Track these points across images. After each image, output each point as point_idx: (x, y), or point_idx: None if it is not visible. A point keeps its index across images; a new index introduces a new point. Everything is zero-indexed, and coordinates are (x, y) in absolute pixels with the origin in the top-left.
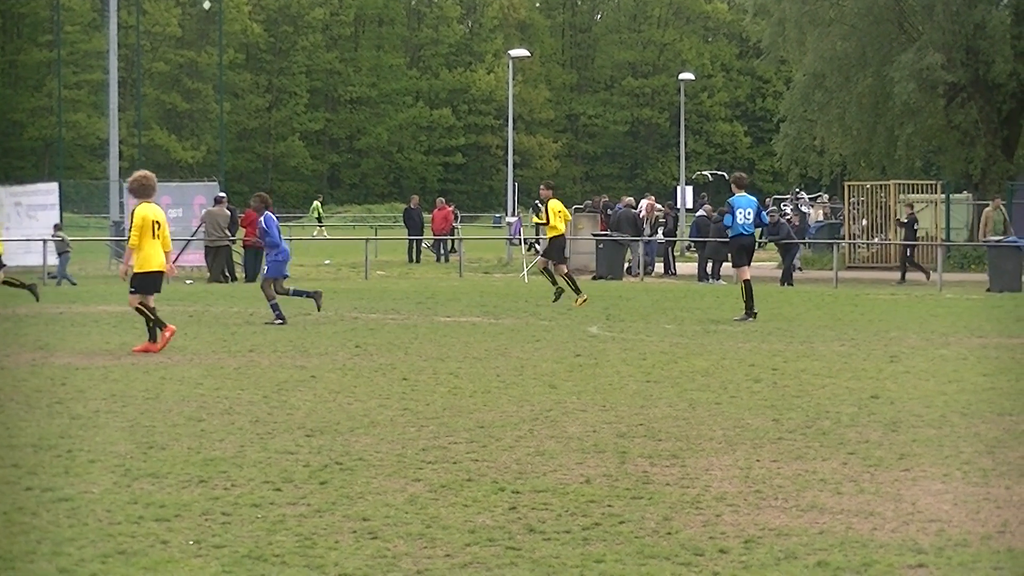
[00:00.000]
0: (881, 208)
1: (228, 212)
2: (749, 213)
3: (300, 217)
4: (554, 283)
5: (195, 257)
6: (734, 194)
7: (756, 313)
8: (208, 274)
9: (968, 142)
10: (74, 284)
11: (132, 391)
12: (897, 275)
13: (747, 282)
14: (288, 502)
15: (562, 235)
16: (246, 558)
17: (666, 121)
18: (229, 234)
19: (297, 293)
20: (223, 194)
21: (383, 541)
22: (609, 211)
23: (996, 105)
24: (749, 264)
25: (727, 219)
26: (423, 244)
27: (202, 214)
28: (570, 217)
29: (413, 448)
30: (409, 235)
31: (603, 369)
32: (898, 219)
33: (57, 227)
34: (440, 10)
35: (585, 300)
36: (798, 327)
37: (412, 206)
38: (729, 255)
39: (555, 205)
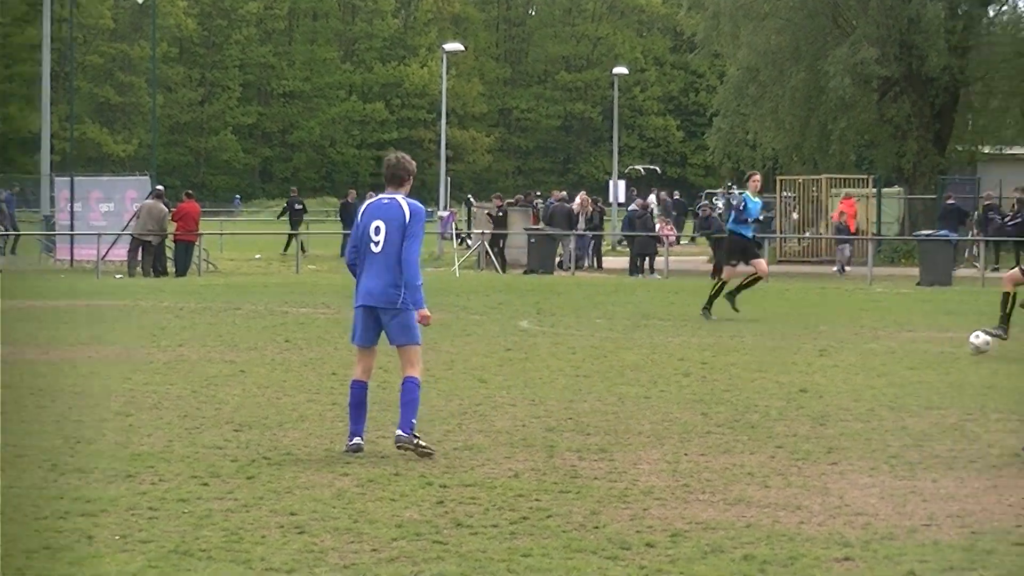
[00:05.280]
0: (813, 202)
1: (164, 207)
2: None
3: (232, 211)
4: None
5: (124, 251)
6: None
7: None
8: (135, 268)
9: (900, 136)
10: None
11: (60, 386)
12: (828, 268)
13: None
14: (215, 497)
15: None
16: (172, 553)
17: (599, 115)
18: (163, 228)
19: None
20: (161, 187)
21: (310, 536)
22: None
23: (929, 99)
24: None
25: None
26: None
27: (138, 207)
28: None
29: (341, 443)
30: (344, 229)
31: (533, 363)
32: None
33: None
34: (374, 4)
35: None
36: (728, 321)
37: (349, 200)
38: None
39: None
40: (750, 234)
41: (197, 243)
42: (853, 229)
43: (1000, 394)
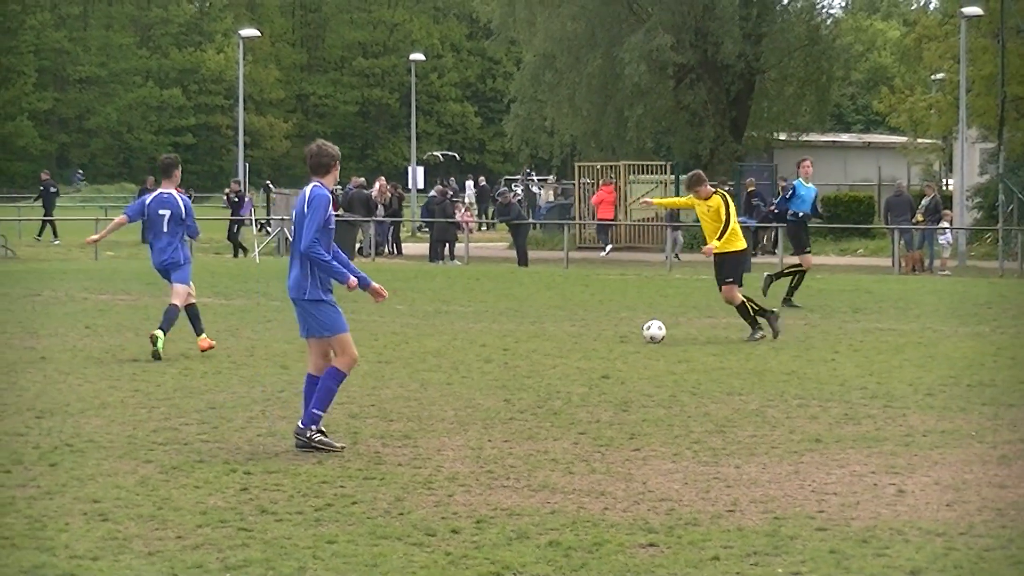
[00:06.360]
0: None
1: None
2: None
3: (28, 198)
4: None
5: None
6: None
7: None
8: None
9: (697, 123)
10: None
11: None
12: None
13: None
14: (18, 484)
15: None
16: None
17: (396, 101)
18: None
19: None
20: None
21: (114, 523)
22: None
23: (725, 86)
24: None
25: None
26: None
27: None
28: None
29: (144, 430)
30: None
31: None
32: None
33: None
34: None
35: None
36: (529, 308)
37: (147, 187)
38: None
39: None
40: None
41: None
42: (612, 216)
43: (800, 380)
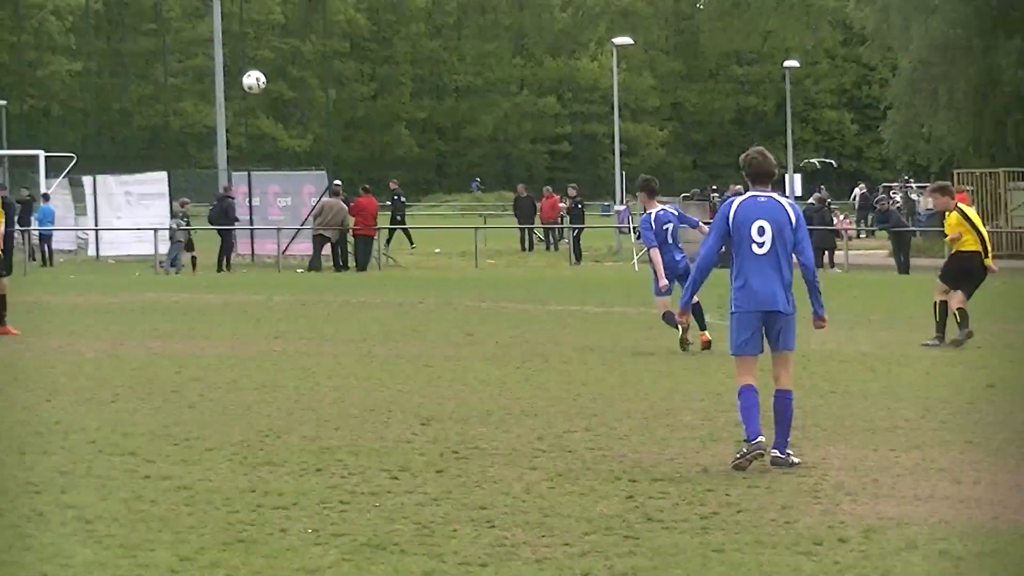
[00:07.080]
0: (991, 196)
1: (343, 203)
2: None
3: (411, 206)
4: None
5: (305, 246)
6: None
7: None
8: (322, 263)
9: None
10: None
11: (247, 380)
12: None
13: None
14: (405, 490)
15: None
16: (365, 546)
17: (772, 109)
18: (343, 224)
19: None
20: (338, 183)
21: (501, 530)
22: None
23: None
24: None
25: None
26: (536, 233)
27: (316, 203)
28: None
29: (528, 437)
30: (519, 224)
31: (718, 359)
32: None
33: (178, 214)
34: None
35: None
36: (909, 316)
37: (519, 194)
38: None
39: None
40: None
41: (375, 237)
42: None
43: None
